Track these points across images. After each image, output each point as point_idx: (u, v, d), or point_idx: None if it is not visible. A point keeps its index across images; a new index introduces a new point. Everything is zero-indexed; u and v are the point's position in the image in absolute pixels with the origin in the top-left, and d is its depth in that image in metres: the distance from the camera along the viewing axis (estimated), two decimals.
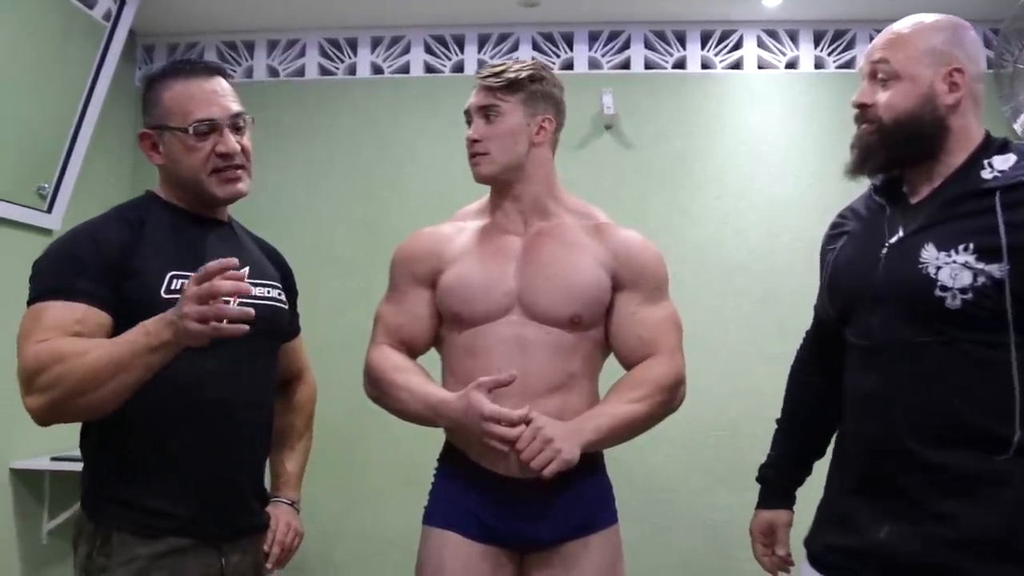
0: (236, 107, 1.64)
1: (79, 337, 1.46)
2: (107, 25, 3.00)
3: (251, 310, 1.39)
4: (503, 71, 1.81)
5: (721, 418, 3.20)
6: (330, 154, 3.51)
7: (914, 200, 1.57)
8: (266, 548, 1.74)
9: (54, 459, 2.81)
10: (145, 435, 1.54)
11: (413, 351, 1.88)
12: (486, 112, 1.81)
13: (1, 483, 2.75)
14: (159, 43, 3.60)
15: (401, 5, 3.30)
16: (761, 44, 3.44)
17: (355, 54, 3.55)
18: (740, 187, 3.36)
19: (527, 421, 1.64)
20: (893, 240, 1.54)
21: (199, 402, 1.57)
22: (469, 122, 1.84)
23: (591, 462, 1.79)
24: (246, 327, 1.38)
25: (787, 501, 1.85)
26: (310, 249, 3.40)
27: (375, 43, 3.54)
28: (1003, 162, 1.49)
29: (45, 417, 1.46)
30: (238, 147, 1.63)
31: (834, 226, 1.74)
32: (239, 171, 1.65)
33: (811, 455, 1.84)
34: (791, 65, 3.43)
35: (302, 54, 3.57)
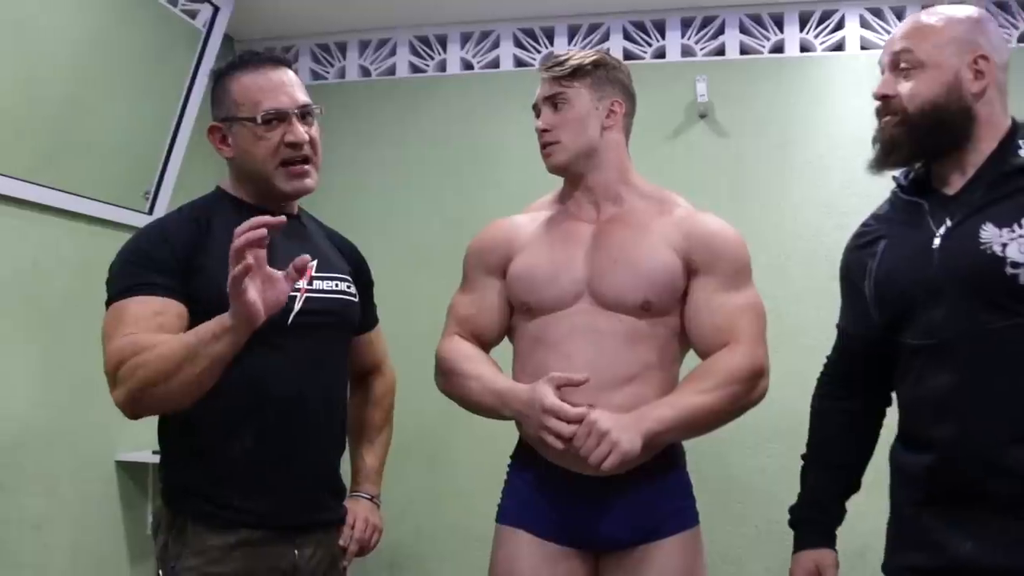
0: (303, 97, 1.64)
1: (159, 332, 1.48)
2: (203, 31, 3.07)
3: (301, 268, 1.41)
4: (567, 59, 1.78)
5: None
6: (422, 152, 3.52)
7: (951, 191, 1.50)
8: (342, 543, 1.74)
9: (155, 452, 2.87)
10: (215, 429, 1.56)
11: (484, 342, 1.86)
12: (553, 101, 1.78)
13: (107, 475, 2.84)
14: (254, 47, 3.65)
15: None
16: (864, 23, 3.28)
17: (445, 51, 3.55)
18: (844, 177, 3.20)
19: (582, 418, 1.58)
20: (942, 231, 1.46)
21: (267, 396, 1.58)
22: (538, 115, 1.81)
23: (668, 457, 1.72)
24: (284, 296, 1.40)
25: (829, 540, 1.71)
26: (403, 246, 3.44)
27: (464, 39, 3.54)
28: None
29: (128, 409, 1.49)
30: (306, 136, 1.62)
31: (860, 235, 1.66)
32: (306, 165, 1.65)
33: (849, 489, 1.73)
34: None
35: (393, 53, 3.59)
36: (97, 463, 2.82)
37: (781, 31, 3.33)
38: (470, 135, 3.48)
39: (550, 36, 3.46)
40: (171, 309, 1.52)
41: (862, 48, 3.28)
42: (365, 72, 3.62)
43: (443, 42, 3.55)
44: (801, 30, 3.32)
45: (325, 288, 1.68)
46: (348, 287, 1.74)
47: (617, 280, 1.71)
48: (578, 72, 1.77)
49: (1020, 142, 1.46)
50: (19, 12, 2.36)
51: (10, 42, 2.35)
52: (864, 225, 1.68)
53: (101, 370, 1.51)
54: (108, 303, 1.55)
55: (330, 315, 1.68)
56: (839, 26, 3.30)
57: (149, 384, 1.43)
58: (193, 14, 3.03)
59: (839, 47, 3.30)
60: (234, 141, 1.64)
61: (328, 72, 3.64)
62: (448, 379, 1.82)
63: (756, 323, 1.74)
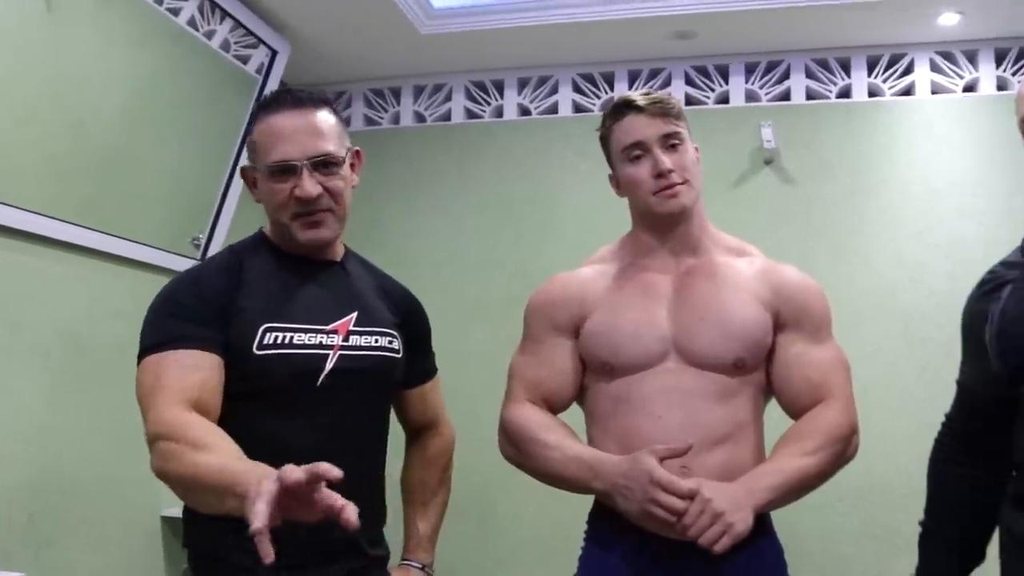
0: (321, 145, 1.51)
1: (200, 416, 1.37)
2: (259, 78, 3.06)
3: None
4: (665, 97, 1.68)
5: (904, 483, 2.89)
6: (478, 198, 3.47)
7: None
8: None
9: None
10: None
11: (554, 406, 1.74)
12: (670, 140, 1.66)
13: (153, 530, 2.78)
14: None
15: (548, 44, 3.24)
16: (935, 67, 3.18)
17: (502, 96, 3.51)
18: (917, 226, 3.09)
19: (694, 495, 1.47)
20: None
21: (287, 458, 1.42)
22: (637, 157, 1.68)
23: (761, 523, 1.60)
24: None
25: None
26: (459, 294, 3.38)
27: (522, 84, 3.50)
28: None
29: (157, 477, 1.40)
30: (314, 192, 1.50)
31: (985, 283, 1.54)
32: (322, 214, 1.53)
33: (971, 561, 1.59)
34: (970, 88, 3.16)
35: (448, 98, 3.56)
36: (143, 518, 2.75)
37: (848, 75, 3.24)
38: (527, 182, 3.43)
39: (610, 81, 3.41)
40: (206, 362, 1.44)
41: (932, 92, 3.18)
42: (420, 118, 3.59)
43: (500, 87, 3.51)
44: (869, 74, 3.23)
45: (363, 344, 1.58)
46: (390, 342, 1.64)
47: (708, 338, 1.62)
48: (682, 113, 1.69)
49: None
50: (73, 60, 2.36)
51: (63, 88, 2.35)
52: (989, 272, 1.56)
53: None
54: (141, 355, 1.47)
55: (365, 374, 1.57)
56: (908, 70, 3.20)
57: (169, 477, 1.33)
58: (245, 59, 3.02)
59: (908, 92, 3.20)
60: (260, 188, 1.56)
61: (382, 118, 3.61)
62: (522, 449, 1.70)
63: (847, 378, 1.66)
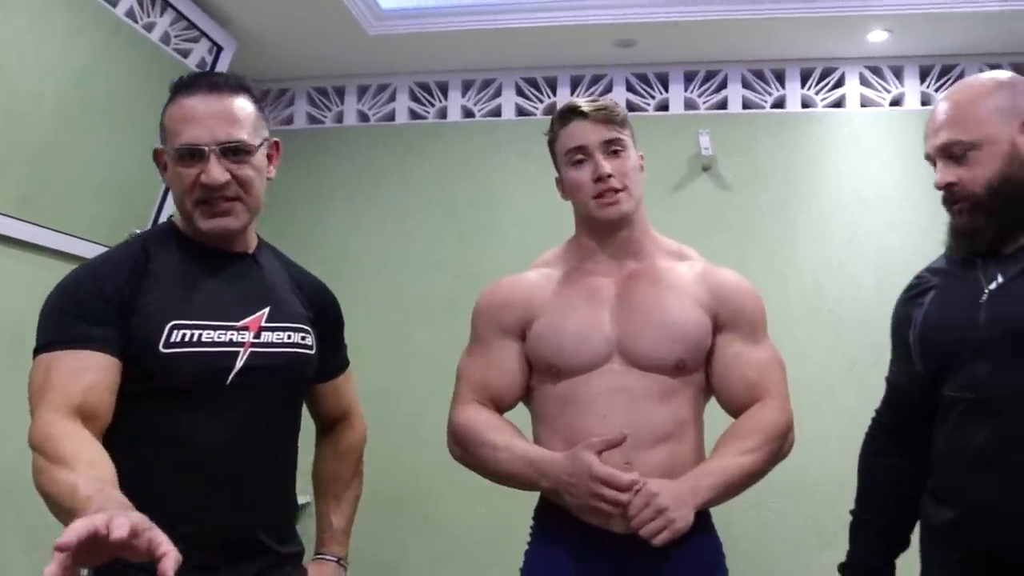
0: (233, 132, 1.46)
1: (79, 425, 1.34)
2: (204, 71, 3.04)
3: None
4: (611, 105, 1.73)
5: (833, 479, 3.00)
6: (421, 199, 3.49)
7: (1007, 251, 1.48)
8: None
9: None
10: (141, 492, 1.35)
11: (501, 406, 1.78)
12: (612, 146, 1.71)
13: None
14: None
15: (493, 48, 3.28)
16: (864, 81, 3.32)
17: (446, 98, 3.54)
18: (847, 234, 3.21)
19: (635, 486, 1.53)
20: (993, 286, 1.45)
21: (194, 457, 1.44)
22: (579, 161, 1.72)
23: (702, 520, 1.66)
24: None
25: None
26: (401, 295, 3.41)
27: (466, 87, 3.53)
28: None
29: None
30: (221, 179, 1.44)
31: (911, 288, 1.64)
32: (230, 203, 1.47)
33: (898, 547, 1.69)
34: (896, 102, 3.30)
35: (392, 99, 3.58)
36: None
37: (783, 86, 3.36)
38: (470, 183, 3.46)
39: (553, 86, 3.47)
40: (99, 363, 1.38)
41: (862, 105, 3.32)
42: (364, 117, 3.60)
43: (444, 89, 3.54)
44: (802, 86, 3.35)
45: (275, 341, 1.54)
46: (303, 338, 1.60)
47: (651, 340, 1.68)
48: (626, 120, 1.74)
49: None
50: (4, 48, 2.30)
51: None
52: (916, 277, 1.65)
53: None
54: (35, 353, 1.42)
55: (277, 372, 1.54)
56: (839, 83, 3.33)
57: (39, 491, 1.29)
58: (186, 53, 2.98)
59: (839, 104, 3.33)
60: (168, 171, 1.49)
61: (326, 116, 3.61)
62: (470, 450, 1.73)
63: (783, 377, 1.74)
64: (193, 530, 1.39)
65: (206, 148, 1.43)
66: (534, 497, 1.78)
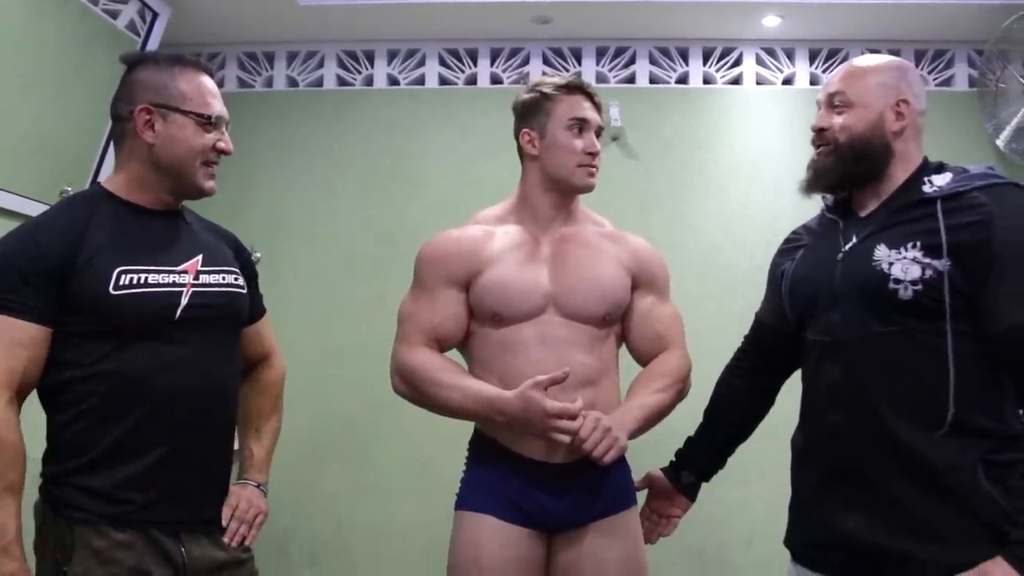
0: (227, 113, 1.74)
1: (7, 404, 1.51)
2: (137, 38, 3.10)
3: None
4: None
5: None
6: (348, 163, 3.61)
7: (863, 214, 1.74)
8: (224, 523, 1.71)
9: None
10: (102, 425, 1.57)
11: (443, 348, 1.98)
12: (600, 131, 2.00)
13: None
14: (184, 52, 3.70)
15: (417, 19, 3.41)
16: (760, 61, 3.58)
17: (372, 66, 3.67)
18: (741, 199, 3.49)
19: (583, 411, 1.78)
20: (848, 247, 1.70)
21: (155, 392, 1.59)
22: (578, 130, 1.97)
23: None
24: None
25: (676, 469, 2.04)
26: (329, 254, 3.53)
27: (391, 56, 3.66)
28: (941, 179, 1.67)
29: None
30: (231, 149, 1.73)
31: (788, 241, 1.93)
32: (216, 169, 1.73)
33: (727, 446, 2.04)
34: (788, 82, 3.57)
35: (321, 65, 3.69)
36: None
37: (687, 64, 3.59)
38: (395, 148, 3.60)
39: (474, 57, 3.63)
40: (32, 335, 1.54)
41: (757, 83, 3.58)
42: (292, 83, 3.70)
43: (371, 57, 3.67)
44: (704, 64, 3.59)
45: (212, 282, 1.70)
46: (236, 279, 1.76)
47: (583, 295, 1.92)
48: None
49: (926, 178, 1.68)
50: None
51: None
52: (794, 232, 1.93)
53: None
54: None
55: (219, 309, 1.69)
56: (737, 62, 3.59)
57: None
58: (115, 14, 3.03)
59: (737, 81, 3.59)
60: (164, 130, 1.64)
61: (255, 80, 3.71)
62: (420, 388, 1.92)
63: (682, 329, 2.05)
64: (156, 457, 1.59)
65: (226, 121, 1.72)
66: (461, 432, 2.01)
